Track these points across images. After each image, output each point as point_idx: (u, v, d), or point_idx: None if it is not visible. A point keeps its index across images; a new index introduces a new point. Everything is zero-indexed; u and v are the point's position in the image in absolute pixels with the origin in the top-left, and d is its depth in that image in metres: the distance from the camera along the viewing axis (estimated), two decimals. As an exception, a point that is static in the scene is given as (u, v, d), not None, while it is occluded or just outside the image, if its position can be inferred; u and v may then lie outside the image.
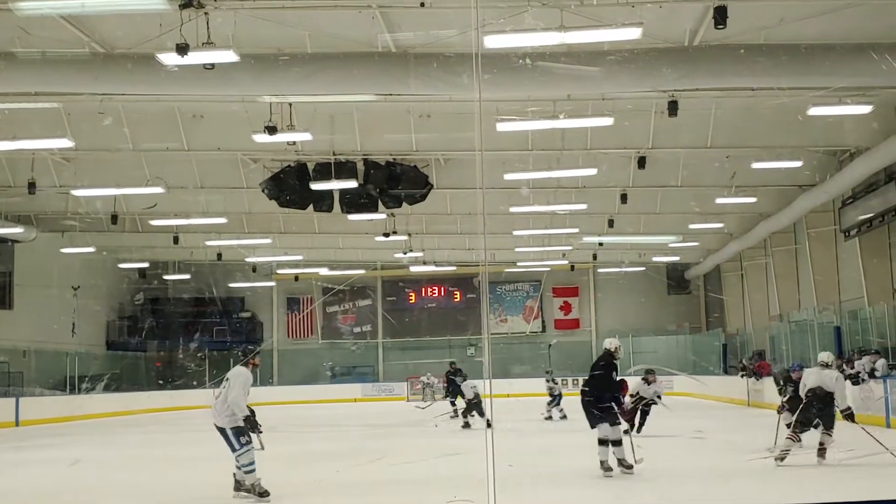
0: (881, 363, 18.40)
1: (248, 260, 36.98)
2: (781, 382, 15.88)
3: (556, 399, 21.72)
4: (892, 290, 22.95)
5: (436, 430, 19.50)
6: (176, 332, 40.17)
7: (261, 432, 9.09)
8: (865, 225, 22.87)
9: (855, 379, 18.75)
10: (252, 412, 9.04)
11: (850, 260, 24.63)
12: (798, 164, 21.78)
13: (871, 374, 18.27)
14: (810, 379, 11.89)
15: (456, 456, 13.52)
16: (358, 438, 18.05)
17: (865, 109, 17.52)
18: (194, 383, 34.33)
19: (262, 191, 22.04)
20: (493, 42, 12.73)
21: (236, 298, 42.40)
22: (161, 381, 36.65)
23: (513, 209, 25.25)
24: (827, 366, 11.88)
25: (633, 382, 15.34)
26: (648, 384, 16.30)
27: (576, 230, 29.07)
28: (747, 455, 13.18)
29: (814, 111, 17.49)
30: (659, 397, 16.36)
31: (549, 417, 21.39)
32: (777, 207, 25.94)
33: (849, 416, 11.68)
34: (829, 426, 11.57)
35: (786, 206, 25.36)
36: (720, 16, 12.48)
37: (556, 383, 22.26)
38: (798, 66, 13.91)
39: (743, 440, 15.57)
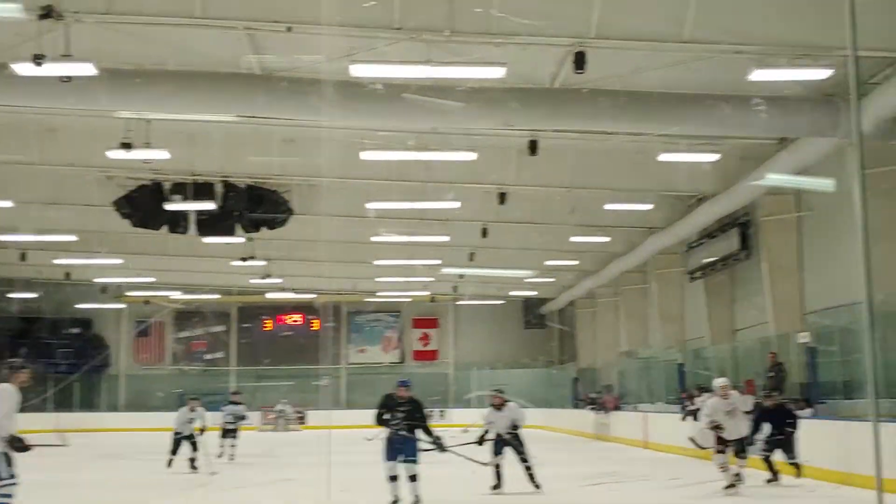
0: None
1: (96, 280, 35.63)
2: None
3: None
4: (733, 331, 24.02)
5: (277, 461, 19.26)
6: (13, 353, 38.16)
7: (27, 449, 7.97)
8: (710, 268, 23.90)
9: (695, 414, 19.44)
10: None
11: (695, 301, 25.66)
12: (649, 206, 22.64)
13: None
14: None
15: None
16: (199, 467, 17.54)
17: (713, 157, 18.39)
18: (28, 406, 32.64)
19: (115, 209, 21.32)
20: (359, 71, 12.76)
21: (81, 320, 40.70)
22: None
23: (374, 239, 25.27)
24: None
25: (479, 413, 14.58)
26: (499, 409, 13.21)
27: (437, 262, 29.30)
28: (575, 482, 13.67)
29: (665, 157, 18.25)
30: (516, 427, 13.19)
31: None
32: (629, 247, 26.85)
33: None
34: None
35: (637, 247, 26.30)
36: (579, 61, 12.89)
37: None
38: (651, 112, 14.49)
39: (573, 470, 16.00)
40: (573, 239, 26.12)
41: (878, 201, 15.57)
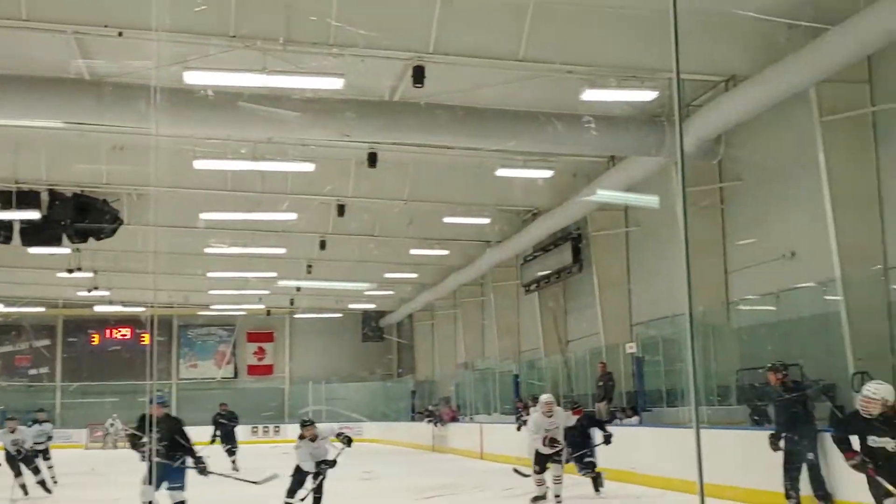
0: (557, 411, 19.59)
1: None
2: None
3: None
4: (566, 342, 24.69)
5: (104, 479, 18.52)
6: None
7: None
8: (544, 281, 24.51)
9: (530, 425, 19.85)
10: None
11: (530, 313, 26.24)
12: (487, 220, 23.05)
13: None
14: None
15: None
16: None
17: (547, 174, 18.91)
18: None
19: (-70, 217, 20.02)
20: (192, 79, 12.44)
21: None
22: None
23: (207, 250, 24.66)
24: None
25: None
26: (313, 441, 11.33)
27: (273, 274, 28.87)
28: (413, 495, 13.71)
29: (502, 172, 18.64)
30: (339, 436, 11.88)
31: None
32: (466, 261, 27.23)
33: None
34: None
35: (474, 260, 26.71)
36: (418, 75, 12.99)
37: None
38: (488, 128, 14.75)
39: (411, 483, 16.06)
40: (412, 252, 26.30)
41: (700, 217, 16.50)
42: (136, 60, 12.55)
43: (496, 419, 25.37)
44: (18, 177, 19.47)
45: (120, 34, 12.30)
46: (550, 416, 12.61)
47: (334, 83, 12.81)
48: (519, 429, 20.46)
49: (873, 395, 7.26)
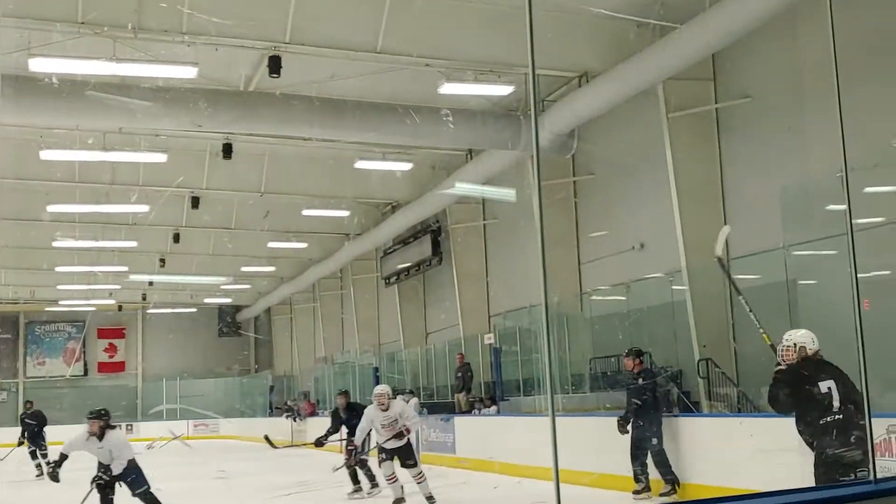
0: (413, 402, 19.71)
1: None
2: None
3: None
4: (425, 334, 24.87)
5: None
6: None
7: None
8: (403, 273, 24.60)
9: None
10: None
11: (390, 305, 26.29)
12: (346, 213, 22.95)
13: (404, 413, 19.47)
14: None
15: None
16: None
17: (406, 166, 18.97)
18: None
19: None
20: (38, 66, 11.90)
21: None
22: None
23: (55, 244, 23.67)
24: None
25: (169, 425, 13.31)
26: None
27: (124, 269, 27.96)
28: (267, 493, 13.56)
29: (360, 164, 18.59)
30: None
31: None
32: (326, 254, 27.04)
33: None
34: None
35: (334, 253, 26.55)
36: (275, 65, 12.81)
37: None
38: (345, 120, 14.67)
39: (266, 481, 15.85)
40: (269, 245, 25.94)
41: (554, 210, 16.91)
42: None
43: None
44: None
45: (-45, 17, 11.65)
46: (385, 409, 11.57)
47: (188, 72, 12.49)
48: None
49: (786, 341, 6.48)
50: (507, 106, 15.70)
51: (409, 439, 11.70)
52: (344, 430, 13.93)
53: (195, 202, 20.82)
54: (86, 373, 40.42)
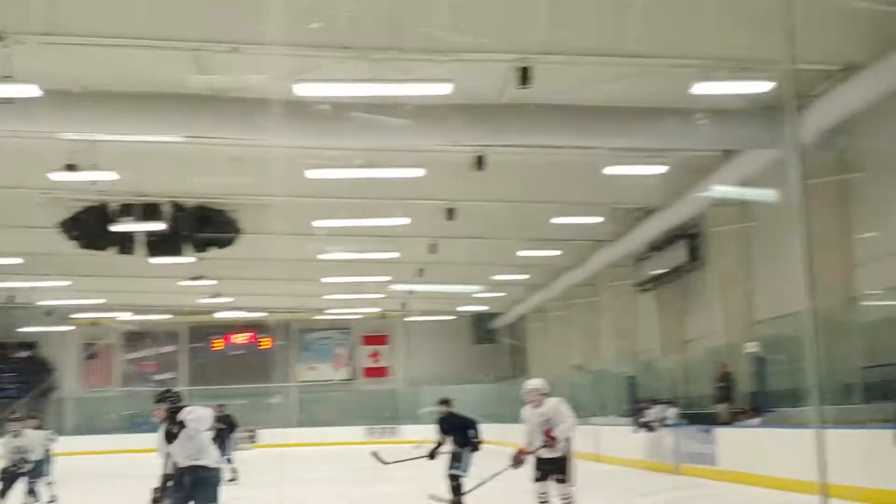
0: (672, 412, 19.34)
1: (40, 303, 35.05)
2: None
3: None
4: (683, 342, 24.26)
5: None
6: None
7: None
8: (659, 279, 24.15)
9: (648, 427, 19.64)
10: None
11: (646, 313, 25.87)
12: (598, 219, 22.81)
13: (663, 423, 19.16)
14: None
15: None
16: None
17: (660, 170, 18.62)
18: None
19: (61, 231, 20.99)
20: (304, 90, 12.72)
21: (27, 343, 40.01)
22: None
23: (321, 256, 25.15)
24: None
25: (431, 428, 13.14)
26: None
27: (387, 278, 29.24)
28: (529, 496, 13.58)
29: (612, 170, 18.43)
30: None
31: None
32: (578, 261, 27.01)
33: None
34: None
35: (586, 260, 26.47)
36: (524, 76, 12.98)
37: None
38: (597, 126, 14.65)
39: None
40: (522, 253, 26.25)
41: (820, 211, 16.01)
42: (251, 75, 12.94)
43: (612, 421, 25.09)
44: (142, 190, 20.25)
45: (235, 49, 12.67)
46: (538, 407, 9.84)
47: (443, 89, 12.91)
48: (636, 431, 20.24)
49: None
50: (765, 103, 15.02)
51: (564, 449, 9.75)
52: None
53: (450, 213, 21.43)
54: (353, 377, 42.63)
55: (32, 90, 12.56)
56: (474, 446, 12.66)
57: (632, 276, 26.63)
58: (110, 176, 18.03)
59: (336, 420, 39.46)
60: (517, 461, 9.71)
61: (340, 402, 41.17)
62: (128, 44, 12.78)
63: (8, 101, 12.64)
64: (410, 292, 32.77)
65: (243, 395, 37.22)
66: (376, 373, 42.85)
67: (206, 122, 14.25)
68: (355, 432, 37.64)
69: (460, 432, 12.74)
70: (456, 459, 12.69)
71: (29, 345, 40.16)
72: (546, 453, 9.58)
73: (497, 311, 39.55)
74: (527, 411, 9.87)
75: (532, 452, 9.76)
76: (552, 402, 9.81)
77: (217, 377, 40.85)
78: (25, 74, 12.37)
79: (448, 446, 12.90)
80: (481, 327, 41.89)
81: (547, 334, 36.48)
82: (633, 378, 24.55)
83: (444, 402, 13.50)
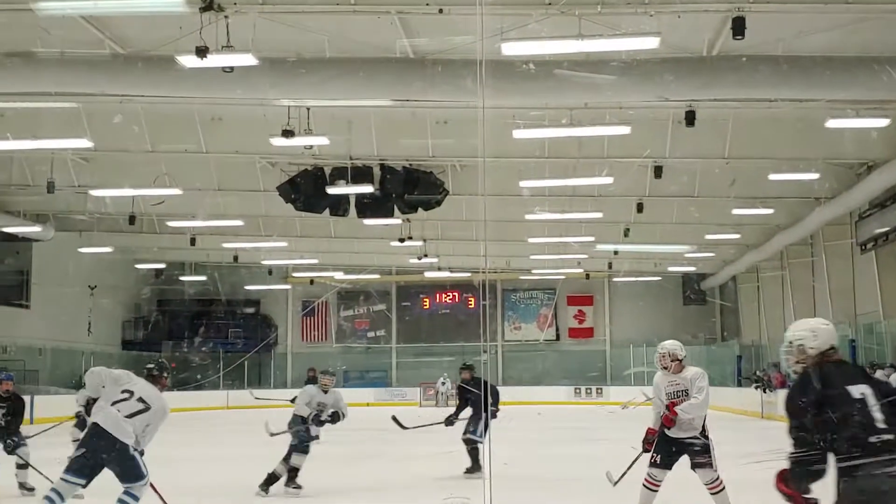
0: (895, 377, 18.28)
1: (263, 263, 37.15)
2: None
3: None
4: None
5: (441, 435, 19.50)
6: (190, 332, 40.39)
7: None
8: (882, 238, 22.77)
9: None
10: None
11: (867, 273, 24.52)
12: (815, 176, 21.66)
13: (887, 389, 18.15)
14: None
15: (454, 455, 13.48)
16: (367, 441, 18.03)
17: (883, 123, 17.44)
18: (205, 384, 34.49)
19: (279, 194, 22.11)
20: (510, 50, 12.73)
21: (252, 301, 42.60)
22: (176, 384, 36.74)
23: (528, 216, 25.25)
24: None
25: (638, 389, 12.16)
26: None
27: (591, 239, 29.03)
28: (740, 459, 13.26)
29: (832, 123, 17.43)
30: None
31: None
32: (794, 219, 25.82)
33: None
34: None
35: (803, 219, 25.25)
36: (738, 27, 12.45)
37: None
38: (815, 78, 13.87)
39: (747, 449, 15.50)
40: (734, 212, 25.33)
41: None
42: (456, 36, 13.09)
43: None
44: (352, 153, 20.99)
45: (440, 11, 12.84)
46: (673, 374, 8.26)
47: (650, 43, 12.59)
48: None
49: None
50: None
51: (697, 428, 8.07)
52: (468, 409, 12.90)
53: (658, 172, 20.95)
54: (557, 338, 42.75)
55: (249, 59, 13.23)
56: (493, 413, 12.50)
57: (851, 234, 25.23)
58: (323, 141, 18.80)
59: (541, 380, 39.74)
60: (649, 443, 8.17)
61: (546, 361, 41.42)
62: (337, 10, 13.22)
63: (229, 70, 13.37)
64: (616, 252, 32.42)
65: (451, 353, 38.15)
66: (581, 333, 42.77)
67: (413, 86, 14.55)
68: (560, 392, 37.82)
69: (478, 399, 12.53)
70: (473, 424, 12.64)
71: (253, 302, 42.70)
72: (675, 432, 8.03)
73: (707, 271, 38.51)
74: (658, 378, 8.35)
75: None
76: (690, 372, 8.25)
77: (425, 335, 42.05)
78: (243, 44, 13.05)
79: (468, 411, 12.84)
80: (690, 288, 40.91)
81: (761, 295, 35.22)
82: (853, 341, 23.36)
83: (467, 367, 13.31)
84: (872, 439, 4.22)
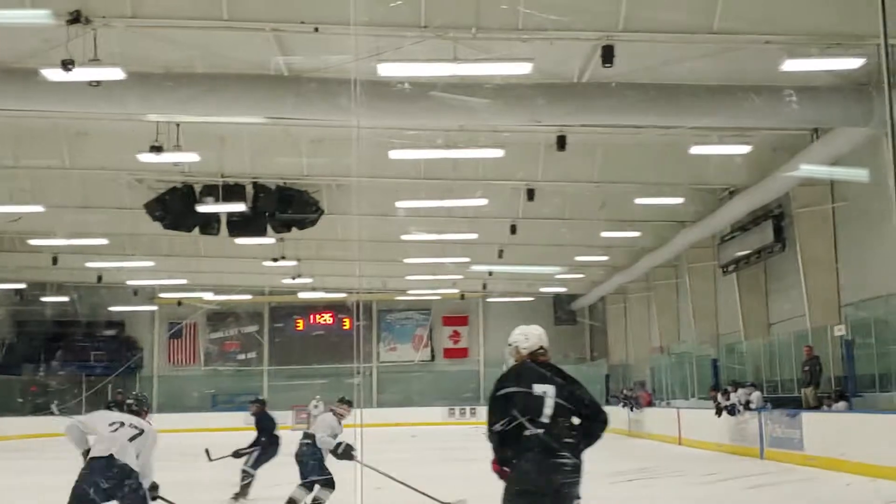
0: (756, 395, 18.99)
1: (128, 283, 35.95)
2: None
3: None
4: (767, 325, 23.77)
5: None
6: (48, 355, 38.71)
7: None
8: (743, 261, 23.68)
9: (731, 410, 19.32)
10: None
11: (729, 295, 25.43)
12: (680, 200, 22.45)
13: (747, 406, 18.83)
14: None
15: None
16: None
17: (745, 149, 18.22)
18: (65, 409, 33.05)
19: (146, 212, 21.47)
20: (386, 70, 12.74)
21: (115, 322, 41.13)
22: (34, 407, 35.12)
23: (403, 237, 25.28)
24: None
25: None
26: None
27: (466, 259, 29.27)
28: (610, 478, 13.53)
29: (696, 150, 18.11)
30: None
31: None
32: (660, 242, 26.64)
33: None
34: None
35: (668, 241, 26.08)
36: (608, 55, 12.79)
37: None
38: (681, 105, 14.37)
39: (615, 468, 15.83)
40: (603, 234, 26.00)
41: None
42: (332, 55, 13.01)
43: (694, 404, 24.77)
44: (224, 171, 20.59)
45: (316, 30, 12.75)
46: None
47: (523, 68, 12.83)
48: (718, 414, 19.92)
49: None
50: (856, 80, 14.56)
51: None
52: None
53: (531, 194, 21.30)
54: (433, 358, 42.84)
55: (117, 73, 12.85)
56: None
57: (714, 257, 26.18)
58: (193, 157, 18.38)
59: (418, 400, 39.69)
60: None
61: (420, 382, 41.42)
62: (209, 26, 12.97)
63: (95, 84, 12.95)
64: (490, 273, 32.75)
65: (324, 374, 37.71)
66: (456, 353, 42.98)
67: (287, 103, 14.38)
68: (435, 413, 37.85)
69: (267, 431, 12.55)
70: (253, 457, 12.42)
71: (116, 324, 41.27)
72: None
73: (577, 292, 39.30)
74: None
75: None
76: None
77: (298, 357, 41.43)
78: (111, 57, 12.67)
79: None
80: (561, 308, 41.64)
81: (627, 316, 36.15)
82: (716, 361, 24.19)
83: (257, 401, 13.34)
84: (527, 433, 4.88)
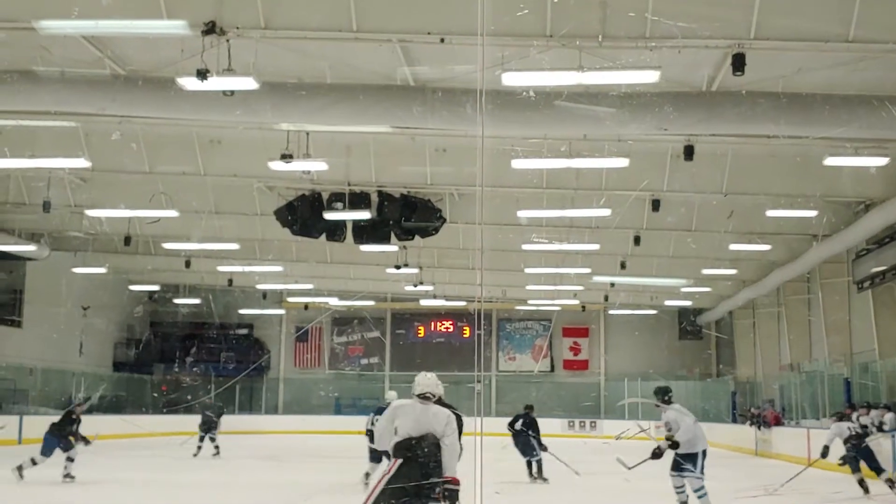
0: (889, 417, 18.20)
1: (258, 287, 37.02)
2: None
3: None
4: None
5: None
6: (182, 354, 40.18)
7: None
8: (879, 277, 22.71)
9: (864, 432, 18.53)
10: None
11: (863, 312, 24.44)
12: (813, 213, 21.66)
13: (880, 428, 18.07)
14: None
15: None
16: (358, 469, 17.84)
17: (882, 161, 17.47)
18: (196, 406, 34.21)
19: (276, 218, 22.06)
20: (511, 80, 12.74)
21: (245, 324, 42.43)
22: (166, 405, 36.46)
23: (525, 246, 25.22)
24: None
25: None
26: None
27: (588, 270, 28.99)
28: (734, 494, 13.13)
29: (830, 161, 17.46)
30: None
31: None
32: (791, 256, 25.79)
33: None
34: None
35: (800, 255, 25.21)
36: (738, 63, 12.47)
37: None
38: (815, 115, 13.89)
39: (740, 486, 15.39)
40: (731, 247, 25.32)
41: None
42: (458, 65, 13.09)
43: (825, 424, 23.83)
44: (351, 179, 20.97)
45: (442, 40, 12.84)
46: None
47: (650, 77, 12.62)
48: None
49: None
50: None
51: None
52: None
53: (656, 205, 20.96)
54: (552, 369, 42.57)
55: (250, 83, 13.23)
56: None
57: (848, 272, 25.20)
58: (321, 166, 18.79)
59: (535, 411, 39.46)
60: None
61: (539, 392, 41.20)
62: (339, 37, 13.22)
63: (229, 94, 13.38)
64: (612, 284, 32.33)
65: (444, 381, 37.82)
66: (576, 365, 42.60)
67: (413, 113, 14.54)
68: (554, 424, 37.58)
69: None
70: None
71: (246, 325, 42.54)
72: None
73: (703, 306, 38.42)
74: None
75: None
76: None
77: (419, 362, 41.79)
78: (244, 68, 13.05)
79: None
80: (686, 322, 40.80)
81: (757, 331, 35.12)
82: (849, 380, 23.26)
83: None
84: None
